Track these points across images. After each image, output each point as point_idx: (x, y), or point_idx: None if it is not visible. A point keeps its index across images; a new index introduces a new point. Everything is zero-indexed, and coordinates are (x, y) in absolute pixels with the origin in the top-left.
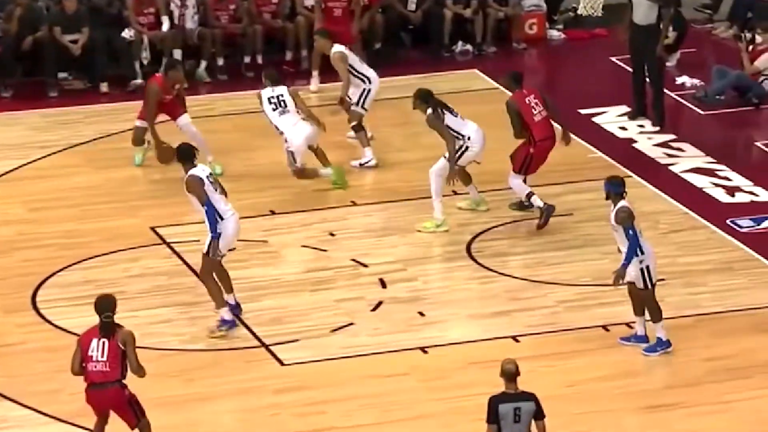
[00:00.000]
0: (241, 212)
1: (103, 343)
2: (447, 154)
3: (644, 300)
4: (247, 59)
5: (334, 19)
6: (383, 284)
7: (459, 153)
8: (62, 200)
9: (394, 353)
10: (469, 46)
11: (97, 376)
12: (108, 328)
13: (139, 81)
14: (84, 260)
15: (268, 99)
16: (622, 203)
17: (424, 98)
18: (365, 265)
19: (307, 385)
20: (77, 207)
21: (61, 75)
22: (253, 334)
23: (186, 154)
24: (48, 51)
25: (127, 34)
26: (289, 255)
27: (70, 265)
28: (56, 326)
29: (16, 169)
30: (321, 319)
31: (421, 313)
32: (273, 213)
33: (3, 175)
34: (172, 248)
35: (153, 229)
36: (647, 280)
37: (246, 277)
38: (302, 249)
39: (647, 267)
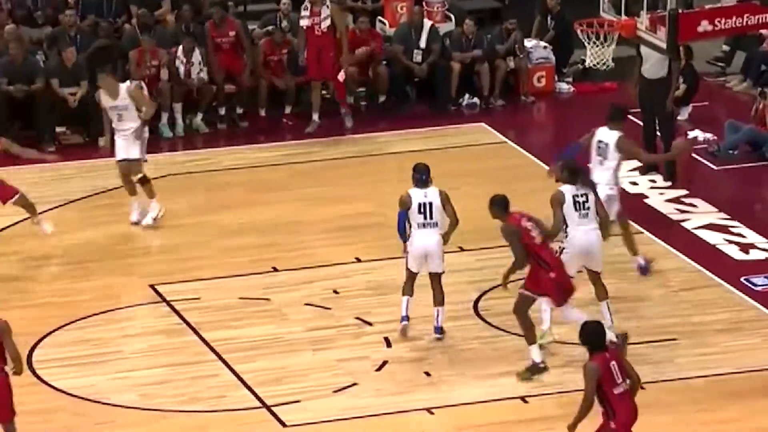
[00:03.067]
0: (242, 269)
1: None
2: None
3: None
4: (262, 112)
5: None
6: (388, 343)
7: None
8: (58, 257)
9: (398, 414)
10: (476, 99)
11: None
12: None
13: None
14: (80, 319)
15: None
16: None
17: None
18: (370, 324)
19: None
20: (73, 264)
21: (59, 129)
22: (255, 394)
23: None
24: (43, 104)
25: None
26: (291, 313)
27: (65, 324)
28: (52, 386)
29: (10, 226)
30: (323, 380)
31: (427, 373)
32: (275, 270)
33: None
34: (171, 306)
35: (152, 286)
36: None
37: (246, 336)
38: (305, 307)
39: None
